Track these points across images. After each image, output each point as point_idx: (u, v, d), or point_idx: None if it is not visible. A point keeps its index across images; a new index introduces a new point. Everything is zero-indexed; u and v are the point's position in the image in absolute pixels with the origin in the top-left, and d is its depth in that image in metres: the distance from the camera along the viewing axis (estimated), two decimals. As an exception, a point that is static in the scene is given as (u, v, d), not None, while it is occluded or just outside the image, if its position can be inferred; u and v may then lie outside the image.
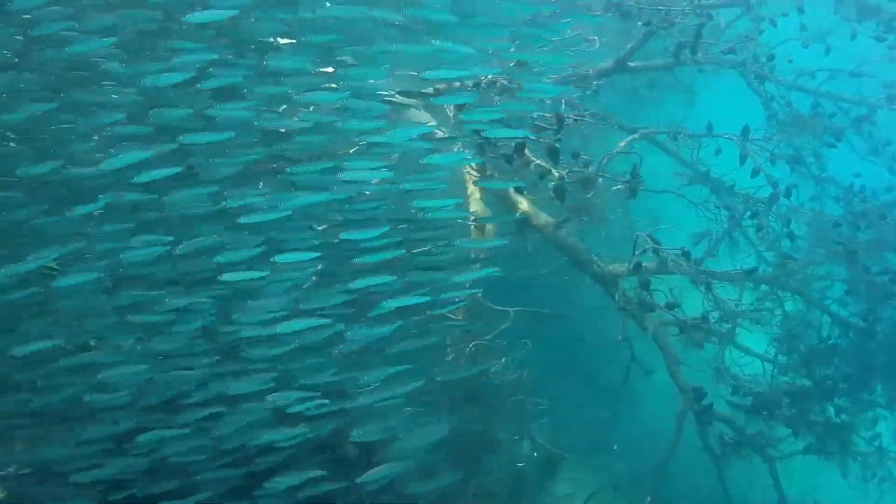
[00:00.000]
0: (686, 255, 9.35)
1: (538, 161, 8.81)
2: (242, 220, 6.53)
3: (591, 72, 10.56)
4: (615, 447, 11.39)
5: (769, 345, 11.05)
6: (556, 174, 8.75)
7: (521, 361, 9.36)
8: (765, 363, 11.14)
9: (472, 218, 9.17)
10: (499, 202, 9.71)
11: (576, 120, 8.88)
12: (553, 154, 8.31)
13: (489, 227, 9.31)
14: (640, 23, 10.56)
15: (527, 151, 8.71)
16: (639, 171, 8.92)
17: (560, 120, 8.55)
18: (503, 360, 9.19)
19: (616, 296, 9.69)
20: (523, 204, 9.67)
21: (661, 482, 9.41)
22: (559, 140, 8.31)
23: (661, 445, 9.63)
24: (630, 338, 9.73)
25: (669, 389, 9.87)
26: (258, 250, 6.62)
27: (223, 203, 6.54)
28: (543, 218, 9.70)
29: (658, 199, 10.46)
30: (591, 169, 8.98)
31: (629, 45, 10.80)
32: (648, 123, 11.50)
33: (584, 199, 9.11)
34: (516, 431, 9.24)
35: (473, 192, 9.47)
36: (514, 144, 8.41)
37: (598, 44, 10.59)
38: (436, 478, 8.08)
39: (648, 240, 9.29)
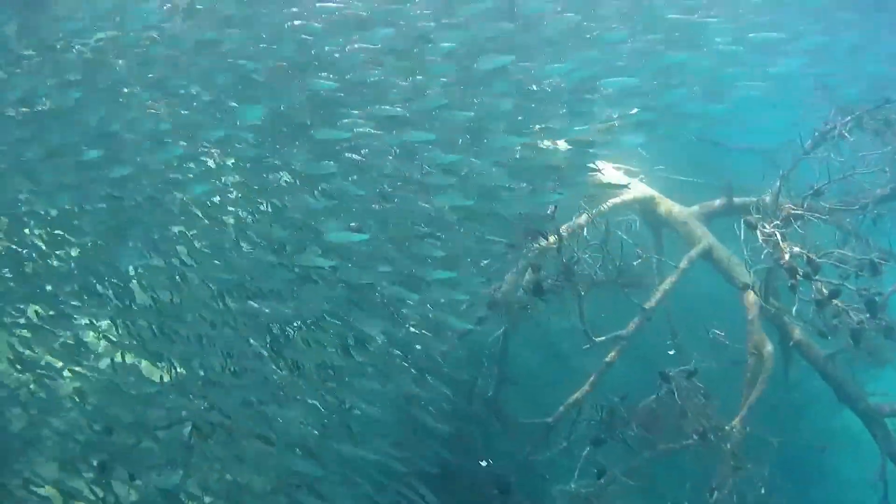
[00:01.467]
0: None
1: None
2: None
3: (868, 199, 10.29)
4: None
5: None
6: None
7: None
8: None
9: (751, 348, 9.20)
10: (776, 328, 9.59)
11: (882, 261, 8.67)
12: (872, 307, 8.14)
13: (767, 351, 9.26)
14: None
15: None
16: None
17: (874, 268, 8.39)
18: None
19: (879, 436, 9.50)
20: (797, 332, 9.53)
21: None
22: (878, 294, 8.14)
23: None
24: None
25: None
26: None
27: None
28: (816, 349, 9.53)
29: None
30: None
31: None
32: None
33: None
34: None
35: (754, 318, 9.37)
36: (829, 290, 8.28)
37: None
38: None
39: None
